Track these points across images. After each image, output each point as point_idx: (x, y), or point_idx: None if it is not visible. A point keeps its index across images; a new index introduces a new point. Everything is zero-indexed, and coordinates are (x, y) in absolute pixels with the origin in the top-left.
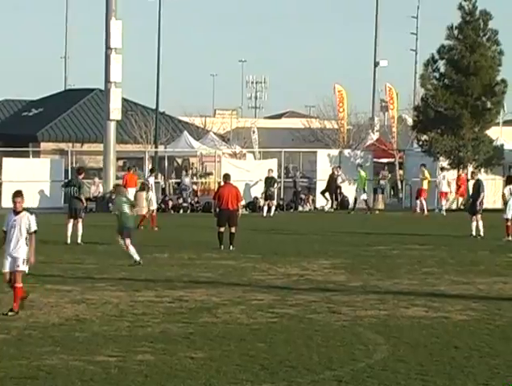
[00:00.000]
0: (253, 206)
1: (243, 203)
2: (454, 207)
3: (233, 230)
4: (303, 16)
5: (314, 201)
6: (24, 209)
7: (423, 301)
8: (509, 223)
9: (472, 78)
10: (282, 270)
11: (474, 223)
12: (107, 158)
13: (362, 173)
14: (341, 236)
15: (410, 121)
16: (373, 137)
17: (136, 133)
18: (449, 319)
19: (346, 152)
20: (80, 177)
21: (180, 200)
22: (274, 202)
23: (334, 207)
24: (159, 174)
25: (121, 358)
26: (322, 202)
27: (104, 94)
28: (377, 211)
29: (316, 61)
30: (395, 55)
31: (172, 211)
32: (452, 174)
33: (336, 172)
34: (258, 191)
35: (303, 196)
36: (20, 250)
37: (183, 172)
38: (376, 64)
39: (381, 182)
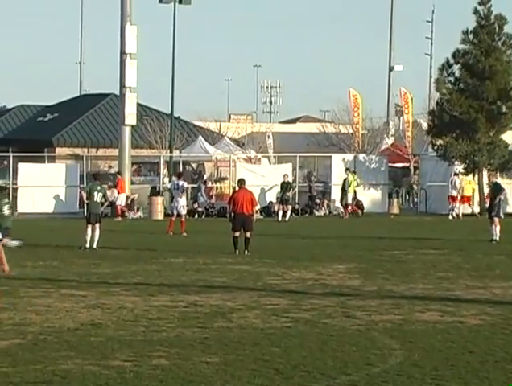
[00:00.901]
0: (268, 211)
1: (258, 207)
2: (469, 211)
3: (248, 235)
4: (318, 21)
5: (329, 206)
6: None
7: (438, 305)
8: None
9: (488, 82)
10: (297, 275)
11: (494, 227)
12: (122, 163)
13: (350, 177)
14: (356, 240)
15: (425, 126)
16: (388, 141)
17: (151, 138)
18: (464, 324)
19: (361, 157)
20: (96, 183)
21: (195, 205)
22: (290, 206)
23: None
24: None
25: (136, 362)
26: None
27: (119, 99)
28: (392, 216)
29: (331, 66)
30: (410, 60)
31: (188, 216)
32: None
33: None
34: (272, 196)
35: (317, 201)
36: None
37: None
38: (391, 69)
39: (414, 186)
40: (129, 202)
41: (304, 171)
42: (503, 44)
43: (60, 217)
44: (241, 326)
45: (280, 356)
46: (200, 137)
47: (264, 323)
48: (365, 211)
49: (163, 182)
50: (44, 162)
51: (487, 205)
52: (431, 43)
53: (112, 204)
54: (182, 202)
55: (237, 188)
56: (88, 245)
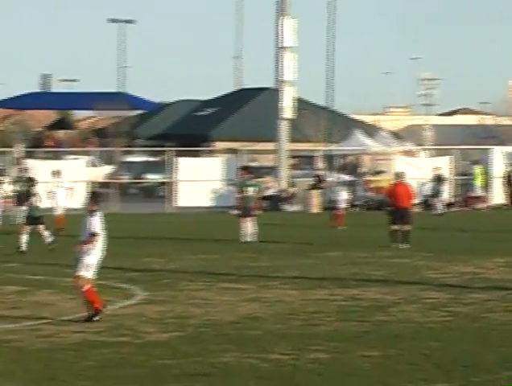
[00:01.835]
0: (425, 204)
1: (416, 201)
2: None
3: (406, 228)
4: (477, 14)
5: (487, 199)
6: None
7: None
8: None
9: None
10: (456, 268)
11: None
12: (279, 156)
13: (478, 169)
14: None
15: None
16: None
17: (308, 131)
18: None
19: None
20: (246, 176)
21: (353, 198)
22: (446, 200)
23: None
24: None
25: (294, 356)
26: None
27: (276, 93)
28: None
29: (490, 58)
30: None
31: (346, 210)
32: None
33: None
34: (429, 189)
35: (479, 194)
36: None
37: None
38: None
39: None
40: (287, 195)
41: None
42: None
43: (218, 211)
44: (401, 319)
45: (440, 350)
46: (357, 130)
47: (423, 317)
48: None
49: (321, 176)
50: (201, 156)
51: None
52: None
53: (270, 198)
54: (342, 195)
55: (395, 181)
56: (246, 239)
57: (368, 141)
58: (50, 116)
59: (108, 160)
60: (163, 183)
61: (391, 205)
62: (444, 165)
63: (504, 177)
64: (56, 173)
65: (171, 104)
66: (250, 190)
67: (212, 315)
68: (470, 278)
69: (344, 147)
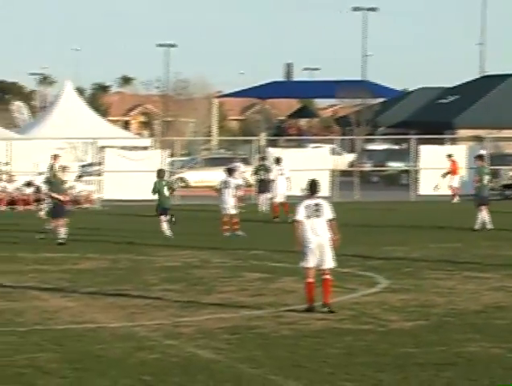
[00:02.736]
0: None
1: None
2: None
3: None
4: None
5: None
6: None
7: None
8: None
9: None
10: None
11: None
12: None
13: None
14: None
15: None
16: None
17: None
18: None
19: None
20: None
21: None
22: None
23: None
24: None
25: None
26: None
27: None
28: None
29: None
30: None
31: None
32: None
33: None
34: None
35: None
36: None
37: None
38: None
39: None
40: None
41: None
42: None
43: (460, 199)
44: None
45: None
46: None
47: None
48: None
49: None
50: (444, 144)
51: None
52: None
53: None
54: None
55: None
56: (486, 227)
57: None
58: (292, 104)
59: (350, 148)
60: (405, 171)
61: None
62: None
63: None
64: (277, 161)
65: (412, 91)
66: (486, 179)
67: (456, 304)
68: None
69: None
